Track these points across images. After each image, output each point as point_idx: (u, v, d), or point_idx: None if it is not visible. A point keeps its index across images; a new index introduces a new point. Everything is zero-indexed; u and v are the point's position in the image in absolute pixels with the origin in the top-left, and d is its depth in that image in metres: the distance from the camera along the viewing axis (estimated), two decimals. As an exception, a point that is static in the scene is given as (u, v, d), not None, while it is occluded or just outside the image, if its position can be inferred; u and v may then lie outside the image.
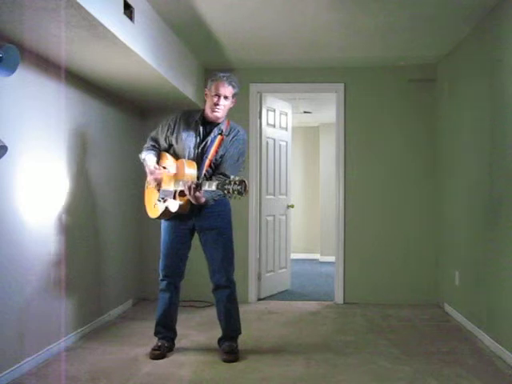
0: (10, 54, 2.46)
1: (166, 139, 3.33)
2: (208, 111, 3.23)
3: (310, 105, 6.91)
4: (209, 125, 3.26)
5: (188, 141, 3.23)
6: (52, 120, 3.34)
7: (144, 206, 3.43)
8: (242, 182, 2.69)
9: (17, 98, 2.92)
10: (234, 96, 3.24)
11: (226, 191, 2.72)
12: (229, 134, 3.26)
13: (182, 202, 3.11)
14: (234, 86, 3.20)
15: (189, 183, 2.95)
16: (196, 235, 3.36)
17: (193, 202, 3.04)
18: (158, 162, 3.31)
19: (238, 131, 3.30)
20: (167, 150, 3.34)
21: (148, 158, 3.29)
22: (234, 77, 3.24)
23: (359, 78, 5.03)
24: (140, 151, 3.43)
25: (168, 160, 3.29)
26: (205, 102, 3.29)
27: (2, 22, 2.52)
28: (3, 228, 2.81)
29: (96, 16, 2.52)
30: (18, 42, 2.77)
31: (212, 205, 3.21)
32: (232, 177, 2.74)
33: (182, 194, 3.09)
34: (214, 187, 2.81)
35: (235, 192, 2.69)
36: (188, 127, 3.26)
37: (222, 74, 3.20)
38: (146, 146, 3.39)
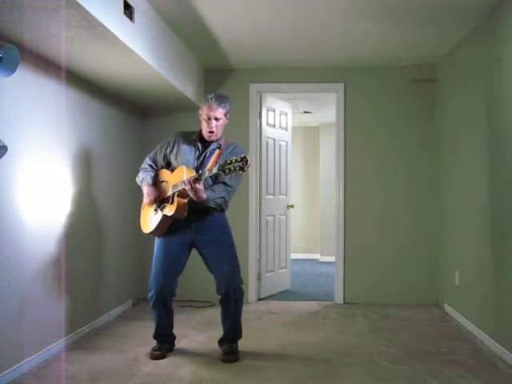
0: (10, 54, 2.46)
1: (164, 158, 3.36)
2: (204, 133, 3.26)
3: (310, 105, 6.91)
4: (207, 142, 3.29)
5: (187, 154, 3.26)
6: (52, 120, 3.34)
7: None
8: (243, 159, 2.76)
9: (17, 98, 2.92)
10: (226, 114, 3.26)
11: (227, 170, 2.79)
12: (227, 148, 3.28)
13: (180, 205, 3.08)
14: (223, 107, 3.22)
15: (188, 178, 2.98)
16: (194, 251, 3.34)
17: (194, 198, 3.02)
18: (156, 180, 3.32)
19: (237, 145, 3.35)
20: (166, 168, 3.36)
21: (146, 180, 3.30)
22: (223, 95, 3.25)
23: (359, 78, 5.03)
24: (140, 155, 3.44)
25: (168, 175, 3.29)
26: (200, 122, 3.29)
27: (2, 22, 2.52)
28: (3, 228, 2.81)
29: (96, 16, 2.52)
30: (18, 42, 2.77)
31: (211, 218, 3.22)
32: (234, 157, 2.80)
33: (180, 195, 3.09)
34: (214, 171, 2.87)
35: (237, 168, 2.76)
36: (188, 143, 3.30)
37: (211, 96, 3.21)
38: (142, 166, 3.40)
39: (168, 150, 3.34)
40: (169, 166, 3.35)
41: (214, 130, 3.21)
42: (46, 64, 3.19)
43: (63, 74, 3.40)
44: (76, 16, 2.47)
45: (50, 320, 3.30)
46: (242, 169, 2.75)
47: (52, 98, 3.33)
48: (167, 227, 3.21)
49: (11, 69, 2.51)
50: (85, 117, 3.82)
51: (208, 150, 3.26)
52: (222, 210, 3.29)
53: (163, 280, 3.24)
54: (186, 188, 2.98)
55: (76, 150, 3.68)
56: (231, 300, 3.25)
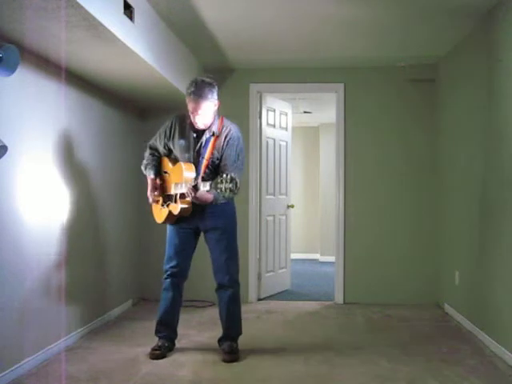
0: (10, 54, 2.46)
1: (164, 146, 3.36)
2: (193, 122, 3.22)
3: (310, 105, 6.91)
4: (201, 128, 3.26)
5: (183, 145, 3.26)
6: (52, 120, 3.34)
7: (145, 207, 3.48)
8: (232, 180, 2.70)
9: (17, 98, 2.92)
10: (211, 103, 3.13)
11: (219, 190, 2.74)
12: (221, 133, 3.22)
13: (183, 206, 3.14)
14: (206, 99, 3.07)
15: (188, 187, 2.99)
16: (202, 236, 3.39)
17: (201, 203, 3.08)
18: (159, 170, 3.36)
19: (230, 129, 3.24)
20: (168, 155, 3.38)
21: (150, 173, 3.34)
22: (204, 86, 3.08)
23: (359, 78, 5.03)
24: (140, 155, 3.49)
25: (169, 165, 3.32)
26: None
27: (2, 22, 2.52)
28: (3, 227, 2.81)
29: (96, 16, 2.52)
30: (18, 42, 2.77)
31: (216, 205, 3.22)
32: (224, 175, 2.74)
33: (182, 196, 3.11)
34: (208, 187, 2.86)
35: (227, 190, 2.71)
36: (182, 131, 3.28)
37: (190, 90, 3.08)
38: (145, 154, 3.43)
39: (166, 138, 3.33)
40: (171, 152, 3.36)
41: (198, 122, 3.16)
42: (46, 64, 3.19)
43: (63, 74, 3.39)
44: (76, 16, 2.47)
45: (49, 320, 3.29)
46: (232, 191, 2.70)
47: (52, 98, 3.33)
48: (176, 219, 3.26)
49: (11, 69, 2.50)
50: (84, 117, 3.82)
51: (203, 138, 3.22)
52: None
53: (177, 260, 3.32)
54: (188, 197, 3.02)
55: (76, 150, 3.68)
56: (226, 289, 3.29)
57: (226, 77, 5.04)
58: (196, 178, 3.09)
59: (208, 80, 3.15)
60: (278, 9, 3.55)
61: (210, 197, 3.06)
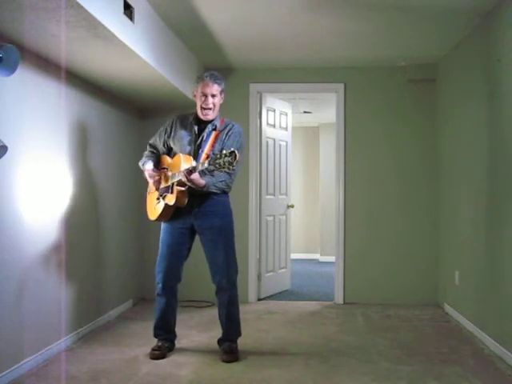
0: (10, 54, 2.45)
1: (164, 144, 3.39)
2: (199, 113, 3.28)
3: (310, 105, 6.91)
4: (203, 123, 3.30)
5: (184, 140, 3.28)
6: (52, 120, 3.34)
7: (144, 207, 3.48)
8: (232, 153, 2.75)
9: (17, 98, 2.92)
10: (221, 92, 3.29)
11: (217, 165, 2.79)
12: (224, 129, 3.29)
13: (179, 194, 3.12)
14: (219, 84, 3.26)
15: (183, 171, 3.00)
16: (197, 237, 3.37)
17: (193, 186, 3.05)
18: (157, 166, 3.36)
19: (233, 125, 3.34)
20: (168, 155, 3.38)
21: (147, 164, 3.34)
22: (217, 74, 3.29)
23: (359, 78, 5.03)
24: (139, 155, 3.52)
25: (168, 162, 3.33)
26: (195, 103, 3.32)
27: (1, 22, 2.52)
28: (3, 227, 2.81)
29: (96, 16, 2.52)
30: (18, 42, 2.77)
31: (212, 204, 3.23)
32: (224, 151, 2.82)
33: (179, 184, 3.11)
34: (206, 164, 2.89)
35: (226, 163, 2.76)
36: (184, 128, 3.32)
37: (205, 74, 3.26)
38: (145, 153, 3.46)
39: (166, 135, 3.37)
40: (170, 151, 3.37)
41: (210, 106, 3.22)
42: (46, 64, 3.19)
43: (63, 74, 3.40)
44: (76, 16, 2.47)
45: (49, 320, 3.29)
46: (231, 164, 2.75)
47: (52, 98, 3.33)
48: (171, 214, 3.25)
49: (11, 69, 2.50)
50: (84, 117, 3.82)
51: (204, 132, 3.26)
52: (225, 193, 3.29)
53: (168, 263, 3.29)
54: (183, 180, 3.01)
55: (76, 150, 3.68)
56: (225, 292, 3.28)
57: (226, 77, 5.01)
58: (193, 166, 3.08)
59: (220, 75, 3.34)
60: (278, 9, 3.54)
61: (202, 182, 3.06)
